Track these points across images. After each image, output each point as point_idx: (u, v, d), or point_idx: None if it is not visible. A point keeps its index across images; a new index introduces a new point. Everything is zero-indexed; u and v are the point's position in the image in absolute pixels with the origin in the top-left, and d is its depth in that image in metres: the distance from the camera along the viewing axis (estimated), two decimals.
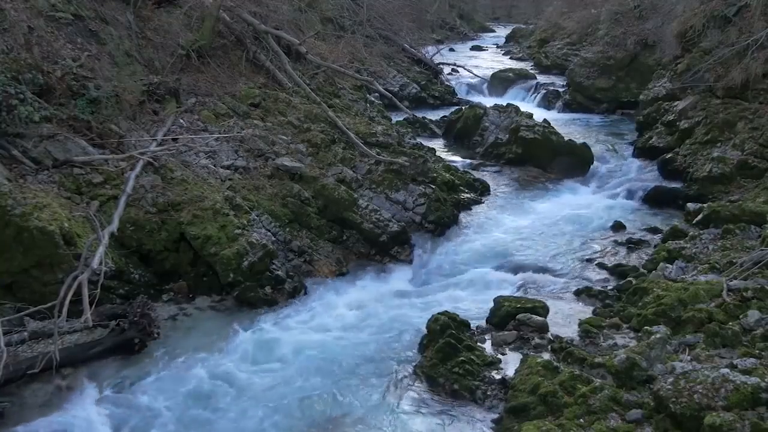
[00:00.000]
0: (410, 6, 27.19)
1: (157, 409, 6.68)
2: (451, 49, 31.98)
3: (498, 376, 7.06)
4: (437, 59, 25.89)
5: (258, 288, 8.75)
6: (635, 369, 6.22)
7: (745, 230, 9.68)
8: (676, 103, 14.81)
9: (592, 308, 8.65)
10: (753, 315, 6.92)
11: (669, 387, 5.70)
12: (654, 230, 11.48)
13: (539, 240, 11.18)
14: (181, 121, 11.07)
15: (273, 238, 9.50)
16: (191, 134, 10.78)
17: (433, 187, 11.58)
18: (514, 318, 8.10)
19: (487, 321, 8.35)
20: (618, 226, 11.65)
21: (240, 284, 8.70)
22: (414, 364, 7.47)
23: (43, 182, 8.40)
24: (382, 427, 6.51)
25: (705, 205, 10.99)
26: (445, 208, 11.36)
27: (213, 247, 8.81)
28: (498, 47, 37.06)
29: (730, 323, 6.91)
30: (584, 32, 26.47)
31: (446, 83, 24.16)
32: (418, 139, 15.66)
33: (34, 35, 9.33)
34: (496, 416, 6.54)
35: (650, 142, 14.74)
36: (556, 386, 6.20)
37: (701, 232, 10.12)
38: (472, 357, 7.19)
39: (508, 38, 39.74)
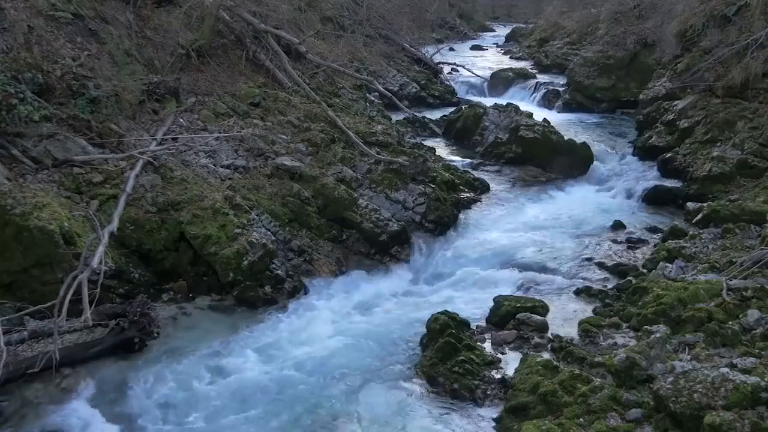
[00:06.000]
0: (410, 5, 27.19)
1: (157, 408, 6.68)
2: (451, 49, 31.94)
3: (498, 376, 7.06)
4: (437, 59, 25.87)
5: (258, 287, 8.75)
6: (635, 368, 6.22)
7: (745, 230, 9.67)
8: (675, 103, 14.80)
9: (591, 308, 8.65)
10: (753, 314, 6.93)
11: (669, 386, 5.70)
12: (654, 229, 11.48)
13: (539, 239, 11.17)
14: (181, 120, 11.07)
15: (273, 238, 9.50)
16: (191, 134, 10.79)
17: (433, 186, 11.57)
18: (514, 317, 8.11)
19: (486, 320, 8.36)
20: (618, 226, 11.64)
21: (240, 284, 8.70)
22: (414, 363, 7.47)
23: (42, 181, 8.40)
24: (382, 426, 6.51)
25: (705, 204, 10.99)
26: (445, 208, 11.36)
27: (213, 246, 8.81)
28: (498, 47, 37.05)
29: (730, 322, 6.90)
30: (584, 31, 26.46)
31: (446, 83, 24.14)
32: (418, 139, 15.69)
33: (34, 34, 9.33)
34: (495, 415, 6.54)
35: (650, 141, 14.73)
36: (556, 385, 6.20)
37: (701, 231, 10.12)
38: (471, 356, 7.19)
39: (508, 38, 39.73)
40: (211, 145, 10.68)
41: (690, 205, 11.36)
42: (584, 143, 15.02)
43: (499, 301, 8.48)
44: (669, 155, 13.62)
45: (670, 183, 13.20)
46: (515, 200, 13.09)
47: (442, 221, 11.17)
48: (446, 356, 7.16)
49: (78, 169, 8.84)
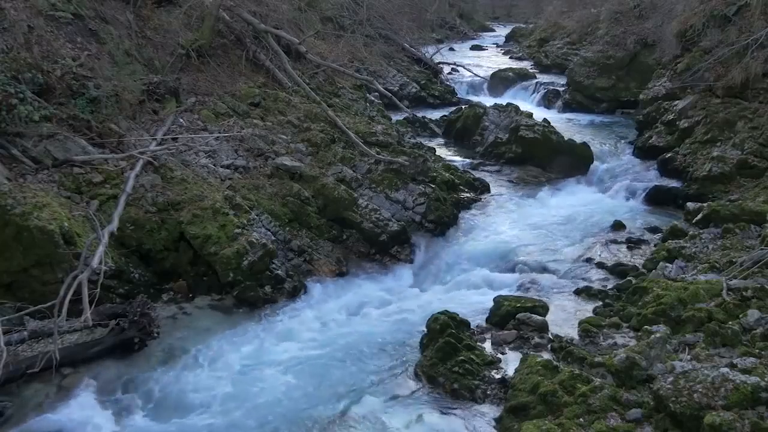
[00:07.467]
0: (410, 5, 27.15)
1: (157, 408, 6.68)
2: (451, 49, 31.95)
3: (498, 376, 7.06)
4: (437, 59, 25.88)
5: (258, 287, 8.75)
6: (635, 368, 6.22)
7: (745, 229, 9.67)
8: (675, 103, 14.80)
9: (591, 307, 8.65)
10: (753, 314, 6.93)
11: (669, 386, 5.70)
12: (654, 229, 11.48)
13: (539, 239, 11.17)
14: (181, 120, 11.07)
15: (273, 238, 9.50)
16: (191, 134, 10.78)
17: (433, 186, 11.58)
18: (514, 317, 8.10)
19: (487, 320, 8.36)
20: (618, 226, 11.65)
21: (240, 283, 8.70)
22: (414, 363, 7.47)
23: (42, 181, 8.40)
24: (382, 426, 6.50)
25: (705, 204, 10.99)
26: (445, 208, 11.36)
27: (213, 246, 8.81)
28: (498, 47, 37.05)
29: (730, 322, 6.90)
30: (584, 31, 26.45)
31: (446, 83, 24.15)
32: (418, 139, 15.68)
33: (34, 34, 9.32)
34: (496, 415, 6.54)
35: (650, 141, 14.73)
36: (556, 385, 6.20)
37: (701, 231, 10.12)
38: (471, 356, 7.19)
39: (508, 38, 39.73)
40: (211, 145, 10.68)
41: (690, 205, 11.36)
42: (584, 143, 15.03)
43: (499, 301, 8.47)
44: (669, 155, 13.62)
45: (670, 183, 13.20)
46: (515, 200, 13.09)
47: (442, 221, 11.17)
48: (446, 356, 7.15)
49: (78, 169, 8.84)
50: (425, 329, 7.75)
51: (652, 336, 6.72)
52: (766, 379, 5.57)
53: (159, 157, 9.61)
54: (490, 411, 6.64)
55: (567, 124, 18.40)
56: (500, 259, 10.46)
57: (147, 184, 9.14)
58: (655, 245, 10.61)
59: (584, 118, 20.01)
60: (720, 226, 10.02)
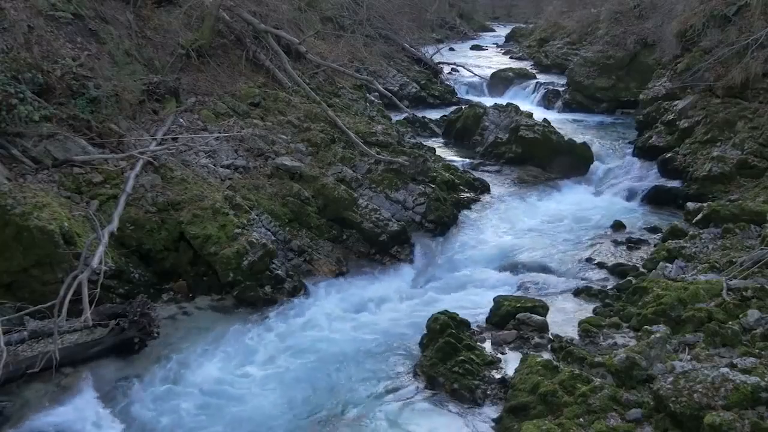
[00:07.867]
0: (410, 5, 27.16)
1: (157, 408, 6.68)
2: (451, 49, 31.96)
3: (498, 376, 7.06)
4: (437, 59, 25.90)
5: (258, 287, 8.75)
6: (635, 368, 6.22)
7: (745, 229, 9.67)
8: (676, 103, 14.81)
9: (592, 307, 8.65)
10: (753, 314, 6.93)
11: (669, 386, 5.70)
12: (654, 229, 11.49)
13: (539, 239, 11.17)
14: (181, 120, 11.07)
15: (273, 238, 9.50)
16: (191, 134, 10.78)
17: (433, 186, 11.58)
18: (514, 317, 8.10)
19: (487, 320, 8.36)
20: (618, 226, 11.65)
21: (240, 284, 8.70)
22: (414, 363, 7.48)
23: (42, 181, 8.40)
24: (382, 426, 6.51)
25: (705, 204, 11.00)
26: (445, 208, 11.36)
27: (213, 246, 8.81)
28: (498, 47, 37.08)
29: (730, 322, 6.91)
30: (584, 31, 26.47)
31: (446, 83, 24.17)
32: (418, 139, 15.68)
33: (34, 34, 9.32)
34: (495, 415, 6.54)
35: (650, 141, 14.73)
36: (556, 385, 6.20)
37: (701, 231, 10.13)
38: (471, 356, 7.19)
39: (508, 38, 39.78)
40: (211, 145, 10.68)
41: (690, 205, 11.36)
42: (584, 143, 15.03)
43: (499, 301, 8.47)
44: (669, 155, 13.62)
45: (670, 183, 13.20)
46: (515, 200, 13.10)
47: (442, 221, 11.17)
48: (446, 356, 7.15)
49: (78, 169, 8.84)
50: (425, 329, 7.75)
51: (652, 336, 6.72)
52: (766, 379, 5.57)
53: (159, 157, 9.61)
54: (490, 411, 6.64)
55: (567, 124, 18.42)
56: (500, 259, 10.46)
57: (147, 184, 9.14)
58: (655, 245, 10.62)
59: (584, 118, 20.02)
60: (720, 226, 10.02)
